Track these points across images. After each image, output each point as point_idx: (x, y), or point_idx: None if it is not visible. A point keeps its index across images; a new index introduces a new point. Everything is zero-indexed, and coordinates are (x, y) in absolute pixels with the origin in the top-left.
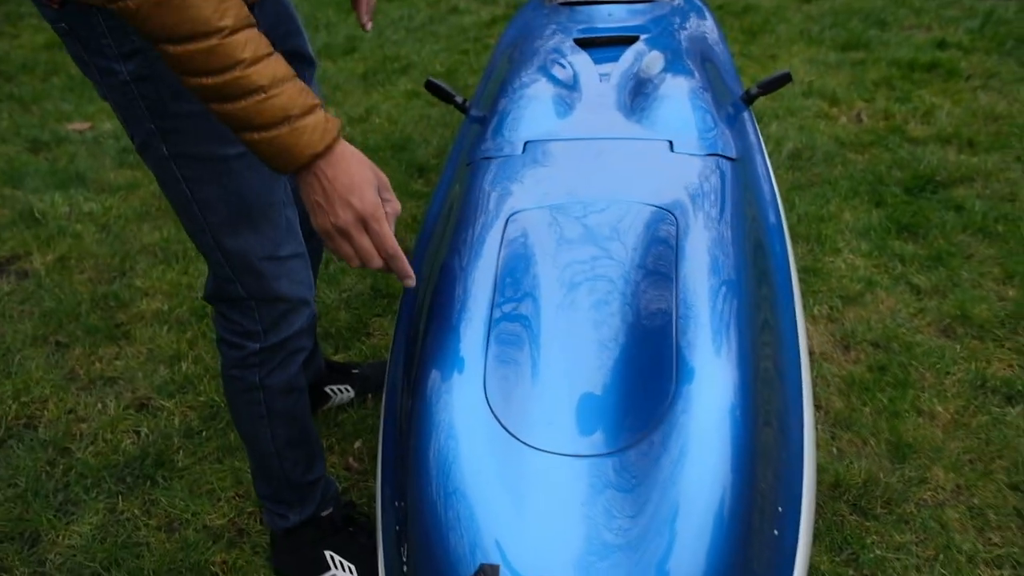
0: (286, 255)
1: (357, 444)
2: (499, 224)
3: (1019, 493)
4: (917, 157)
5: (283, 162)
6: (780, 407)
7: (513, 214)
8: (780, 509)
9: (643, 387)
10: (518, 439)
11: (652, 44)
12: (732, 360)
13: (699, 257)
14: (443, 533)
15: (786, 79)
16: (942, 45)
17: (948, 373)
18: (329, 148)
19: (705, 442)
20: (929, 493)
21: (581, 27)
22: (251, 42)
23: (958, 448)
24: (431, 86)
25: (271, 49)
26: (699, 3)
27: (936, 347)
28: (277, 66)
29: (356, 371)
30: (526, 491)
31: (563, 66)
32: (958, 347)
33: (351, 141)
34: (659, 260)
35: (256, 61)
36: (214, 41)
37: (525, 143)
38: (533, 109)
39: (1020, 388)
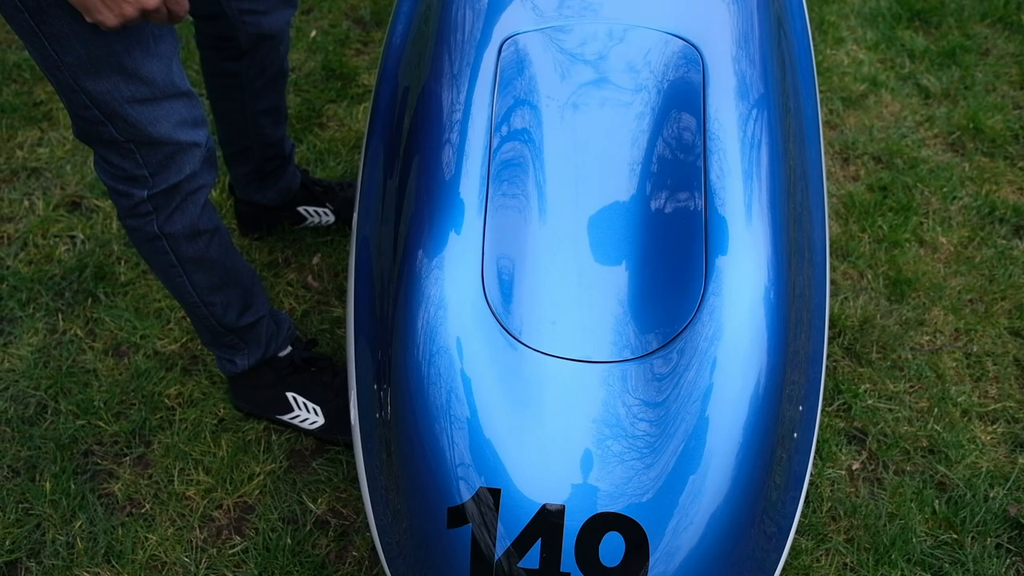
0: (165, 95)
1: (315, 259)
2: (491, 49)
3: (1019, 339)
4: None
5: None
6: (807, 291)
7: (508, 39)
8: (801, 408)
9: (668, 282)
10: (522, 343)
11: None
12: (767, 247)
13: (729, 114)
14: (434, 445)
15: None
16: None
17: (955, 197)
18: None
19: (737, 351)
20: (927, 337)
21: None
22: None
23: (959, 286)
24: None
25: None
26: None
27: (943, 164)
28: None
29: (339, 191)
30: (532, 400)
31: None
32: (967, 165)
33: None
34: (683, 114)
35: None
36: None
37: None
38: None
39: None
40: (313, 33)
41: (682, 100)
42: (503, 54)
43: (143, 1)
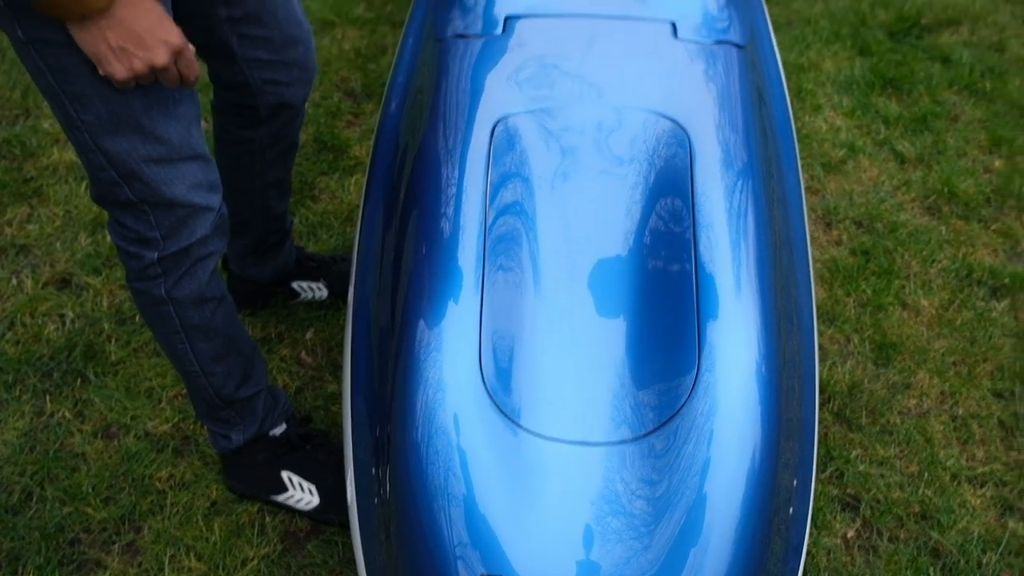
0: (182, 157)
1: (309, 334)
2: (485, 131)
3: (1002, 401)
4: None
5: (68, 10)
6: (797, 357)
7: (501, 120)
8: (795, 482)
9: (662, 357)
10: (519, 425)
11: None
12: (757, 318)
13: (716, 188)
14: (434, 528)
15: None
16: None
17: (933, 260)
18: None
19: (733, 426)
20: (913, 401)
21: None
22: None
23: (943, 348)
24: None
25: None
26: None
27: (921, 228)
28: None
29: (333, 266)
30: (532, 483)
31: None
32: (943, 228)
33: None
34: (673, 191)
35: None
36: None
37: (506, 18)
38: None
39: (1006, 280)
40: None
41: (670, 175)
42: (496, 134)
43: (152, 57)
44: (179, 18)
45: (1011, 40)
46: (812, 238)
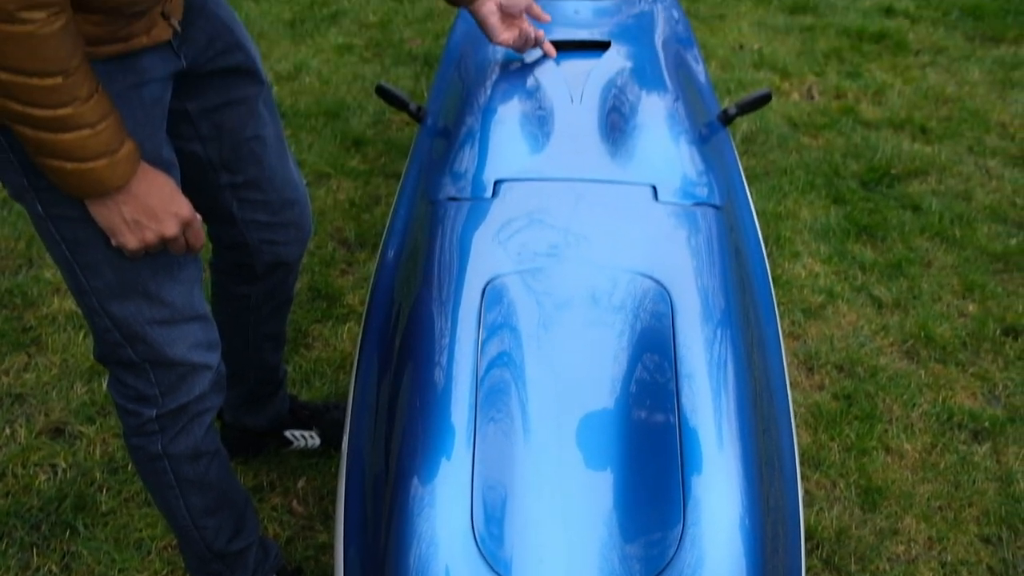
0: (184, 318)
1: (300, 483)
2: (476, 291)
3: (990, 546)
4: (871, 145)
5: (90, 190)
6: (781, 502)
7: (491, 280)
8: None
9: (648, 512)
10: None
11: (624, 53)
12: (740, 468)
13: (696, 342)
14: None
15: (766, 99)
16: (889, 12)
17: (914, 404)
18: (139, 168)
19: None
20: (902, 547)
21: (544, 27)
22: (88, 79)
23: (928, 493)
24: (382, 91)
25: (98, 84)
26: None
27: (901, 372)
28: (104, 102)
29: (325, 414)
30: None
31: (530, 80)
32: (922, 372)
33: (279, 102)
34: (656, 347)
35: (90, 97)
36: (59, 80)
37: (495, 182)
38: (502, 139)
39: (986, 423)
40: None
41: (652, 332)
42: (486, 294)
43: (163, 229)
44: (185, 184)
45: (976, 189)
46: (795, 383)
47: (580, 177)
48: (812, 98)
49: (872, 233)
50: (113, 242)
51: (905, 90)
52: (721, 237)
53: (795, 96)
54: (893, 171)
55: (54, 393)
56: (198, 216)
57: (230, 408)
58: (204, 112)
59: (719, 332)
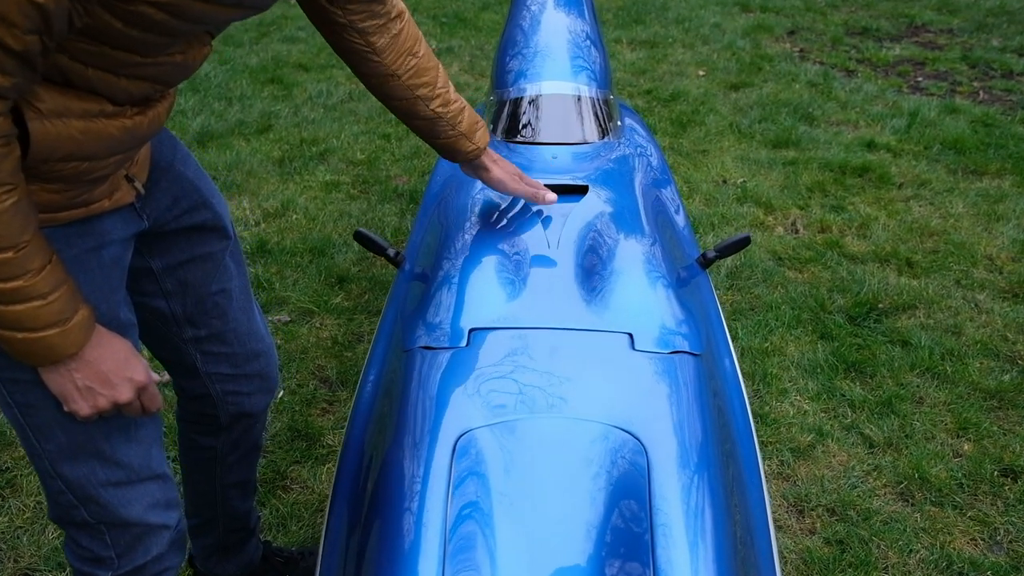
0: (141, 479)
1: None
2: (447, 447)
3: None
4: (857, 279)
5: (42, 358)
6: None
7: (463, 434)
8: None
9: None
10: None
11: (602, 197)
12: None
13: (673, 498)
14: None
15: (745, 242)
16: (871, 145)
17: (911, 551)
18: (93, 334)
19: None
20: None
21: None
22: (41, 251)
23: None
24: (361, 237)
25: (52, 255)
26: (645, 139)
27: (895, 516)
28: (57, 272)
29: (300, 561)
30: None
31: (508, 225)
32: (918, 516)
33: (265, 239)
34: (631, 505)
35: (42, 269)
36: (10, 254)
37: (470, 331)
38: (477, 286)
39: (988, 571)
40: (280, 394)
41: (628, 487)
42: (458, 448)
43: (117, 395)
44: (148, 337)
45: (966, 323)
46: (785, 526)
47: (556, 325)
48: (797, 232)
49: (861, 369)
50: (65, 408)
51: (890, 223)
52: (700, 386)
53: (779, 230)
54: (880, 305)
55: (25, 538)
56: (154, 378)
57: (201, 558)
58: (168, 269)
59: (696, 483)
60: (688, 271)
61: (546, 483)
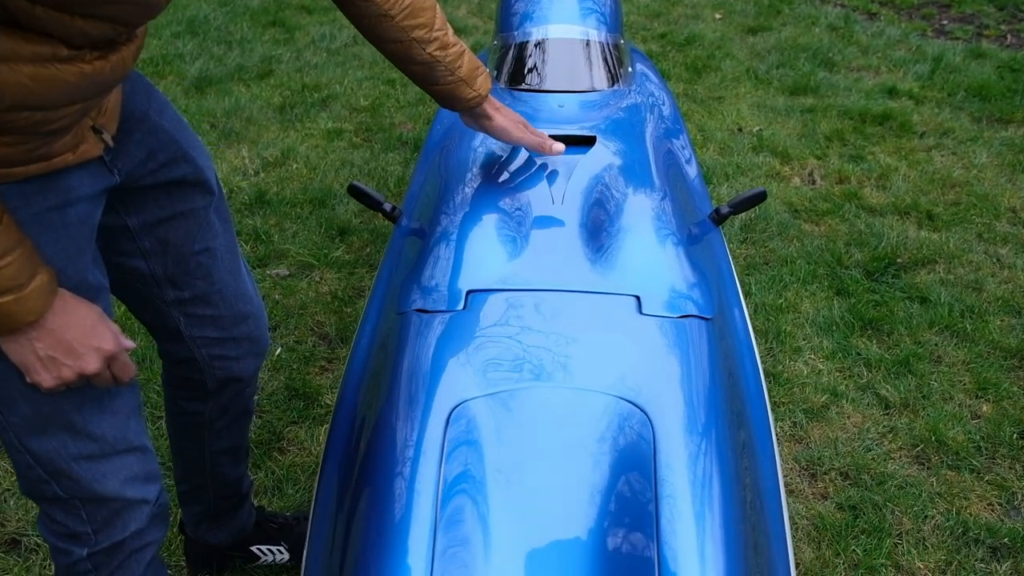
0: (116, 451)
1: None
2: (440, 418)
3: None
4: (876, 232)
5: (3, 324)
6: None
7: (458, 405)
8: None
9: None
10: None
11: (611, 149)
12: None
13: (679, 468)
14: None
15: (761, 198)
16: (892, 92)
17: (926, 516)
18: (55, 300)
19: None
20: None
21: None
22: None
23: None
24: (355, 191)
25: (2, 214)
26: (657, 86)
27: (911, 480)
28: (10, 234)
29: (295, 527)
30: None
31: (511, 179)
32: (934, 480)
33: (265, 190)
34: (634, 477)
35: None
36: None
37: (468, 293)
38: (477, 245)
39: (1005, 537)
40: (278, 351)
41: (631, 459)
42: (451, 420)
43: (82, 365)
44: (129, 299)
45: (987, 279)
46: (797, 491)
47: (559, 287)
48: (814, 183)
49: (878, 327)
50: (27, 379)
51: (910, 174)
52: (710, 352)
53: (796, 181)
54: (899, 260)
55: (12, 502)
56: (126, 344)
57: (192, 524)
58: (146, 226)
59: (704, 453)
60: (700, 227)
61: (544, 457)
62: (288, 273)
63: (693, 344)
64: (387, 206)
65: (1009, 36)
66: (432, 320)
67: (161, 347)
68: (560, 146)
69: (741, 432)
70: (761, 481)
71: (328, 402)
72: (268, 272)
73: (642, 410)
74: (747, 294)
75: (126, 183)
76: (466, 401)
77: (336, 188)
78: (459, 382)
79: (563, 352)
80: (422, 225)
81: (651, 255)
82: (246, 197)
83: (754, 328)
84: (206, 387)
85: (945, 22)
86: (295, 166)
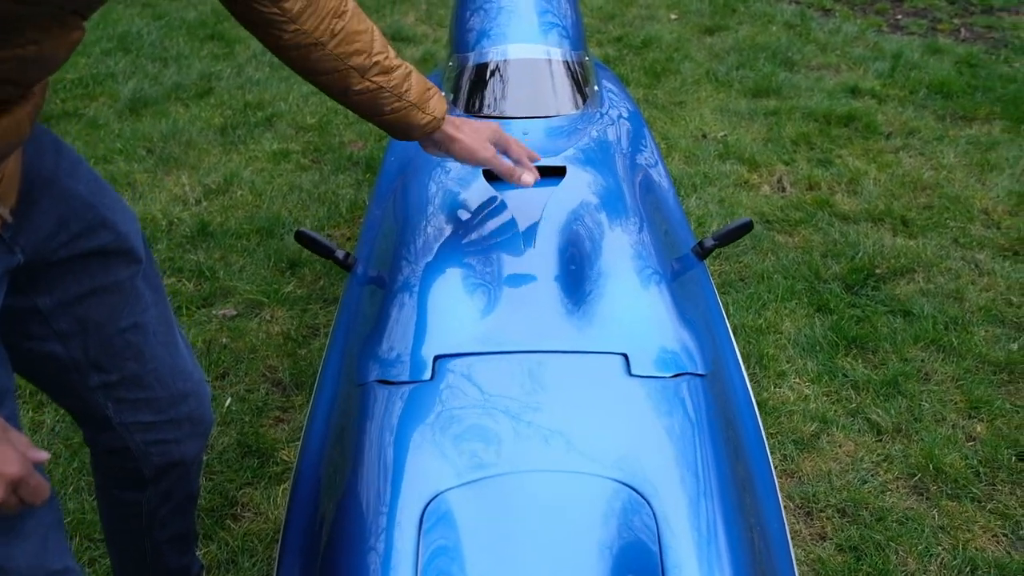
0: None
1: None
2: (413, 517)
3: None
4: (851, 242)
5: None
6: None
7: (433, 499)
8: None
9: None
10: None
11: (583, 180)
12: None
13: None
14: None
15: (747, 228)
16: (855, 91)
17: (931, 555)
18: None
19: None
20: None
21: None
22: None
23: None
24: (303, 239)
25: None
26: (624, 104)
27: (911, 514)
28: None
29: None
30: None
31: (476, 222)
32: (935, 513)
33: (208, 221)
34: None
35: None
36: None
37: (435, 359)
38: (440, 303)
39: (1016, 574)
40: (228, 402)
41: (633, 552)
42: (426, 516)
43: None
44: (44, 386)
45: (968, 287)
46: (794, 533)
47: (537, 348)
48: (784, 190)
49: (862, 345)
50: None
51: (880, 177)
52: (708, 413)
53: (765, 189)
54: (877, 271)
55: None
56: (37, 458)
57: None
58: (61, 306)
59: (713, 539)
60: (683, 263)
61: (533, 561)
62: (235, 313)
63: (689, 407)
64: (339, 253)
65: (963, 30)
66: (395, 393)
67: (87, 435)
68: (530, 177)
69: (747, 498)
70: (772, 549)
71: (285, 458)
72: (214, 312)
73: (641, 495)
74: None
75: (33, 260)
76: (441, 494)
77: (284, 215)
78: (431, 470)
79: (546, 427)
80: (380, 275)
81: (636, 304)
82: (187, 229)
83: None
84: (143, 475)
85: (899, 17)
86: (239, 193)
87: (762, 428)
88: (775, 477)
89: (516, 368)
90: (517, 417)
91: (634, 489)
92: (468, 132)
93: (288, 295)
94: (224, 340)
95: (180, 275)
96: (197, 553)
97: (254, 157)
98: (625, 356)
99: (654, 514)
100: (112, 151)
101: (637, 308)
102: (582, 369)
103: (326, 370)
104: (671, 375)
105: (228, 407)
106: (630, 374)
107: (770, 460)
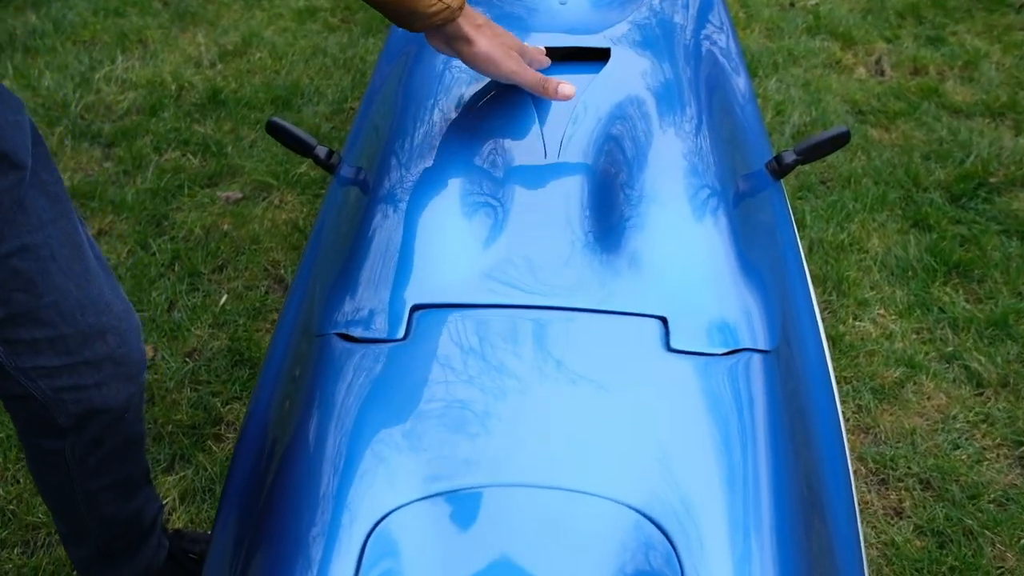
0: None
1: None
2: (354, 542)
3: None
4: (961, 142)
5: None
6: None
7: (381, 520)
8: None
9: None
10: None
11: (631, 68)
12: None
13: None
14: None
15: (843, 140)
16: None
17: None
18: None
19: None
20: None
21: (521, 29)
22: None
23: None
24: (276, 130)
25: None
26: None
27: (1013, 493)
28: None
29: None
30: None
31: (484, 122)
32: None
33: (220, 87)
34: None
35: None
36: None
37: (411, 310)
38: (430, 230)
39: None
40: (223, 299)
41: None
42: (369, 544)
43: None
44: None
45: None
46: (863, 505)
47: (546, 303)
48: (882, 74)
49: (967, 273)
50: None
51: (1005, 61)
52: (770, 407)
53: (860, 72)
54: (992, 179)
55: None
56: None
57: (80, 569)
58: None
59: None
60: (752, 184)
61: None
62: (241, 196)
63: (745, 397)
64: (321, 151)
65: None
66: (355, 356)
67: None
68: (569, 88)
69: (817, 526)
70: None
71: None
72: (217, 194)
73: (662, 530)
74: (799, 225)
75: None
76: (393, 512)
77: (304, 84)
78: (386, 475)
79: (543, 423)
80: (364, 179)
81: (685, 246)
82: (197, 96)
83: (810, 271)
84: (57, 424)
85: None
86: (258, 56)
87: (843, 426)
88: (854, 493)
89: (514, 331)
90: (506, 406)
91: (653, 522)
92: (490, 35)
93: (300, 177)
94: (225, 227)
95: (185, 148)
96: (153, 498)
97: (278, 14)
98: (664, 321)
99: (679, 559)
100: (125, 2)
101: (686, 252)
102: (603, 337)
103: (291, 300)
104: (724, 351)
105: (223, 305)
106: (668, 348)
107: (850, 468)
